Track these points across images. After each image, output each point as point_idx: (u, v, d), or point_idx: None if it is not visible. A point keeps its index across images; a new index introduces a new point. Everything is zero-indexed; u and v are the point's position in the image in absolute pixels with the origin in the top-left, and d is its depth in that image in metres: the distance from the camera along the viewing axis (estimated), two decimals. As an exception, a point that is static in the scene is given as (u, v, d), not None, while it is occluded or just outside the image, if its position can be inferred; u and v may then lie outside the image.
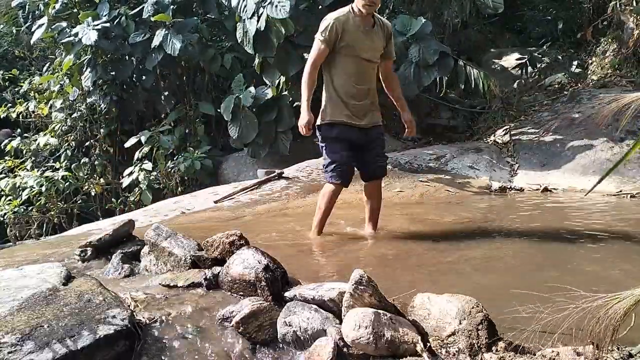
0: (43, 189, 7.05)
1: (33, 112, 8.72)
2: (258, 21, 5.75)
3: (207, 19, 7.72)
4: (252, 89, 6.70)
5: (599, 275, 2.55)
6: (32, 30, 7.84)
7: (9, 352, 1.61)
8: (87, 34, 6.87)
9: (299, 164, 5.81)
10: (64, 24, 7.60)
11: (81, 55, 7.56)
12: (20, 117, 8.82)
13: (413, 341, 1.68)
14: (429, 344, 1.69)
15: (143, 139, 7.16)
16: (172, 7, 6.98)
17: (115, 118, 8.05)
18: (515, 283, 2.49)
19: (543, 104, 7.33)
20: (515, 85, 8.22)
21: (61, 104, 8.20)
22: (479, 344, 1.64)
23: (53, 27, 7.56)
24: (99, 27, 6.93)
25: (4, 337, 1.67)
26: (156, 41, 6.78)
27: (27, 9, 8.56)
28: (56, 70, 8.44)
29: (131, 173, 7.02)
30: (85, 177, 7.65)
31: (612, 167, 1.24)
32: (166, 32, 6.76)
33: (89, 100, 7.93)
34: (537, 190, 5.09)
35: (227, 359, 1.82)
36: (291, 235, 3.47)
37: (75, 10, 7.79)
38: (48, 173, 7.31)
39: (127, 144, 7.41)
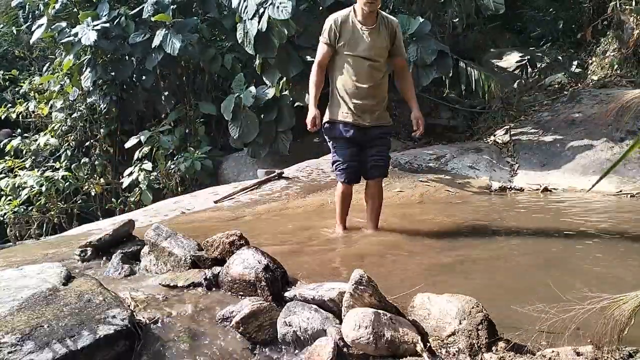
0: (43, 189, 7.04)
1: (33, 112, 8.71)
2: (259, 22, 5.74)
3: (207, 19, 7.72)
4: (252, 88, 6.70)
5: (600, 275, 2.55)
6: (32, 30, 7.83)
7: (9, 352, 1.61)
8: (87, 34, 6.86)
9: (299, 164, 5.81)
10: (64, 24, 7.59)
11: (81, 55, 7.55)
12: (20, 117, 8.82)
13: (413, 341, 1.68)
14: (429, 344, 1.70)
15: (143, 139, 7.15)
16: (172, 7, 6.97)
17: (115, 118, 8.05)
18: (516, 283, 2.50)
19: (543, 104, 7.33)
20: (515, 85, 8.21)
21: (61, 104, 8.20)
22: (479, 344, 1.64)
23: (53, 27, 7.55)
24: (99, 27, 6.92)
25: (4, 337, 1.67)
26: (156, 41, 6.78)
27: (27, 9, 8.56)
28: (56, 70, 8.44)
29: (131, 173, 7.02)
30: (85, 177, 7.65)
31: (612, 166, 1.24)
32: (166, 32, 6.76)
33: (89, 100, 7.92)
34: (537, 190, 5.09)
35: (227, 359, 1.82)
36: (291, 235, 3.48)
37: (75, 10, 7.78)
38: (48, 173, 7.31)
39: (127, 144, 7.41)
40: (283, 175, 5.37)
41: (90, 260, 2.77)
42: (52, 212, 7.21)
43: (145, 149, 7.12)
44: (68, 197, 7.46)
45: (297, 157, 6.24)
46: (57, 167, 7.55)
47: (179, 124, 7.64)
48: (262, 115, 6.75)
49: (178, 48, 6.62)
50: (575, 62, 8.48)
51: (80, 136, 8.22)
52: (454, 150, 6.28)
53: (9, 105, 9.12)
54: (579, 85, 7.65)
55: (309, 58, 6.19)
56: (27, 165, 7.96)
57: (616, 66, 7.65)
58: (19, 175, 7.36)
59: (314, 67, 3.30)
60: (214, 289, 2.22)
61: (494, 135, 6.77)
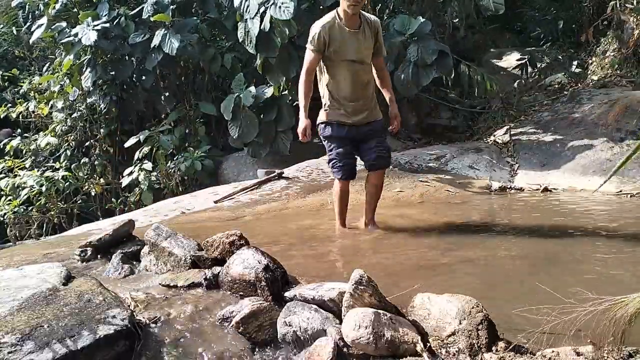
0: (43, 189, 7.04)
1: (33, 112, 8.72)
2: (261, 21, 5.74)
3: (207, 19, 7.72)
4: (252, 88, 6.70)
5: (601, 275, 2.55)
6: (32, 30, 7.83)
7: (9, 352, 1.61)
8: (87, 34, 6.87)
9: (299, 164, 5.81)
10: (64, 24, 7.59)
11: (81, 55, 7.56)
12: (20, 117, 8.82)
13: (413, 341, 1.68)
14: (429, 344, 1.69)
15: (143, 139, 7.16)
16: (171, 7, 6.97)
17: (115, 118, 8.05)
18: (516, 283, 2.50)
19: (543, 104, 7.33)
20: (515, 85, 8.21)
21: (61, 104, 8.20)
22: (479, 344, 1.64)
23: (53, 27, 7.56)
24: (99, 27, 6.92)
25: (4, 337, 1.67)
26: (155, 41, 6.78)
27: (27, 9, 8.56)
28: (56, 70, 8.44)
29: (131, 173, 7.02)
30: (85, 177, 7.65)
31: (620, 165, 1.24)
32: (165, 32, 6.76)
33: (89, 100, 7.93)
34: (537, 190, 5.09)
35: (227, 359, 1.82)
36: (291, 235, 3.48)
37: (75, 10, 7.79)
38: (48, 173, 7.31)
39: (127, 144, 7.41)
40: (283, 175, 5.37)
41: (90, 260, 2.77)
42: (52, 212, 7.21)
43: (145, 149, 7.12)
44: (68, 197, 7.46)
45: (297, 157, 6.24)
46: (57, 167, 7.55)
47: (179, 124, 7.64)
48: (262, 115, 6.75)
49: (176, 47, 6.62)
50: (575, 62, 8.48)
51: (80, 136, 8.22)
52: (454, 150, 6.28)
53: (9, 105, 9.13)
54: (579, 85, 7.65)
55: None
56: (27, 165, 7.96)
57: (616, 66, 7.65)
58: (19, 175, 7.36)
59: (303, 76, 3.31)
60: (214, 289, 2.22)
61: (494, 135, 6.76)
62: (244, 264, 2.13)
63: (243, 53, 6.99)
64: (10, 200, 7.12)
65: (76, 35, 7.04)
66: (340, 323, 1.78)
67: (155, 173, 7.04)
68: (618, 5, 7.51)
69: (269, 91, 6.68)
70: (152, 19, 6.82)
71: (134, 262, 2.68)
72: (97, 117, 8.09)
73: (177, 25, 6.85)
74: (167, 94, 7.94)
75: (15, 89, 9.67)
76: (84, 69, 7.49)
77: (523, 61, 8.57)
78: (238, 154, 7.43)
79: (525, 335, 1.66)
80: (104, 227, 3.81)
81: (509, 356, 1.60)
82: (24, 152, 8.22)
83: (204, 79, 7.99)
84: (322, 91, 3.42)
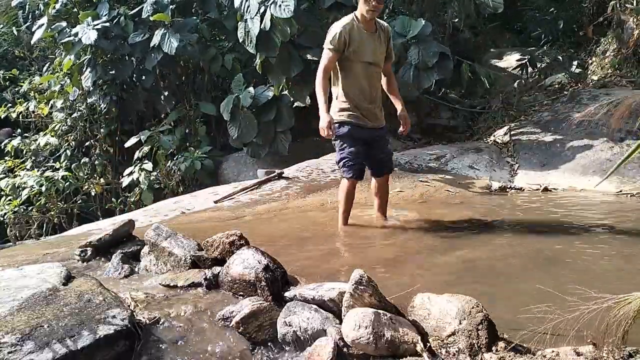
0: (43, 189, 7.05)
1: (33, 112, 8.72)
2: (262, 21, 5.74)
3: (207, 19, 7.72)
4: (251, 89, 6.70)
5: (602, 275, 2.55)
6: (32, 30, 7.83)
7: (9, 352, 1.61)
8: (87, 33, 6.87)
9: (299, 164, 5.81)
10: (64, 23, 7.60)
11: (81, 55, 7.56)
12: (20, 117, 8.83)
13: (413, 341, 1.68)
14: (429, 344, 1.69)
15: (143, 138, 7.16)
16: (171, 7, 6.97)
17: (115, 118, 8.05)
18: (516, 283, 2.49)
19: (543, 104, 7.33)
20: (515, 85, 8.21)
21: (61, 104, 8.20)
22: (479, 344, 1.64)
23: (53, 27, 7.56)
24: (99, 27, 6.93)
25: (4, 337, 1.67)
26: (155, 41, 6.78)
27: (27, 9, 8.57)
28: (56, 70, 8.45)
29: (131, 173, 7.02)
30: (85, 177, 7.65)
31: (619, 164, 1.24)
32: (164, 31, 6.76)
33: (89, 100, 7.93)
34: (537, 190, 5.09)
35: (227, 359, 1.82)
36: (291, 235, 3.48)
37: (75, 10, 7.80)
38: (48, 173, 7.32)
39: (127, 144, 7.42)
40: (283, 175, 5.37)
41: (90, 260, 2.77)
42: (52, 212, 7.21)
43: (146, 149, 7.12)
44: (68, 197, 7.46)
45: (297, 157, 6.24)
46: (57, 167, 7.56)
47: (179, 123, 7.65)
48: (261, 116, 6.75)
49: (175, 47, 6.62)
50: (575, 62, 8.48)
51: (80, 136, 8.22)
52: (454, 150, 6.28)
53: (9, 105, 9.13)
54: (579, 85, 7.65)
55: (309, 57, 6.19)
56: (27, 166, 7.96)
57: (616, 66, 7.65)
58: (19, 175, 7.36)
59: (320, 74, 3.34)
60: (214, 289, 2.22)
61: (494, 135, 6.76)
62: (244, 264, 2.13)
63: (243, 53, 6.99)
64: (10, 200, 7.12)
65: (76, 34, 7.04)
66: (340, 323, 1.78)
67: (155, 173, 7.04)
68: (618, 6, 7.51)
69: (269, 92, 6.68)
70: (151, 18, 6.82)
71: (134, 262, 2.68)
72: (97, 117, 8.09)
73: (177, 25, 6.85)
74: (167, 93, 7.94)
75: (15, 89, 9.67)
76: (84, 69, 7.50)
77: (523, 61, 8.57)
78: (238, 154, 7.43)
79: (526, 335, 1.66)
80: (104, 227, 3.81)
81: (509, 356, 1.60)
82: (24, 152, 8.22)
83: (204, 79, 7.99)
84: (335, 93, 3.45)
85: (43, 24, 7.52)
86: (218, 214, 4.38)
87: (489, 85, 6.59)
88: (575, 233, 3.40)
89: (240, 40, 6.14)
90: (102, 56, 7.51)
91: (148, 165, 7.00)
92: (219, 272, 2.24)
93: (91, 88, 7.61)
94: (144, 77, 7.61)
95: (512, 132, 6.57)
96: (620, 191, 4.77)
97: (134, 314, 1.94)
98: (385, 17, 6.80)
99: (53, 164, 7.78)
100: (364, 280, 1.78)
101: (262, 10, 5.72)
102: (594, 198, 4.68)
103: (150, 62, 7.03)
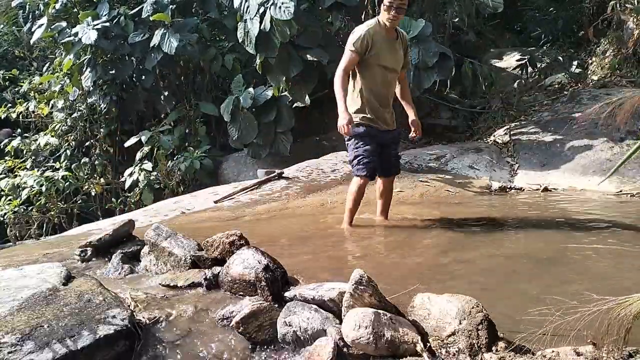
0: (43, 188, 7.05)
1: (33, 112, 8.72)
2: (261, 22, 5.74)
3: (207, 19, 7.72)
4: (251, 89, 6.70)
5: (602, 275, 2.55)
6: (32, 30, 7.83)
7: (9, 352, 1.61)
8: (87, 33, 6.87)
9: (299, 164, 5.81)
10: (64, 23, 7.60)
11: (81, 55, 7.56)
12: (20, 117, 8.82)
13: (413, 341, 1.68)
14: (429, 344, 1.69)
15: (143, 139, 7.16)
16: (171, 6, 6.97)
17: (115, 118, 8.06)
18: (516, 283, 2.49)
19: (543, 104, 7.33)
20: (515, 85, 8.21)
21: (62, 104, 8.20)
22: (479, 344, 1.64)
23: (53, 27, 7.56)
24: (99, 26, 6.93)
25: (4, 337, 1.67)
26: (154, 41, 6.79)
27: (27, 9, 8.56)
28: (56, 70, 8.45)
29: (132, 174, 7.02)
30: (85, 177, 7.66)
31: (622, 161, 1.24)
32: (164, 31, 6.76)
33: (89, 100, 7.93)
34: (537, 190, 5.09)
35: (227, 359, 1.82)
36: (291, 235, 3.48)
37: (75, 10, 7.79)
38: (48, 173, 7.32)
39: (127, 144, 7.42)
40: (283, 175, 5.37)
41: (90, 260, 2.77)
42: (52, 212, 7.21)
43: (146, 149, 7.12)
44: (68, 197, 7.46)
45: (297, 157, 6.24)
46: (57, 167, 7.56)
47: (179, 123, 7.65)
48: (261, 116, 6.75)
49: (175, 47, 6.62)
50: (575, 62, 8.48)
51: (80, 136, 8.23)
52: (454, 150, 6.28)
53: (9, 105, 9.13)
54: (579, 85, 7.65)
55: (309, 58, 6.18)
56: (27, 166, 7.96)
57: (616, 66, 7.65)
58: (19, 175, 7.36)
59: (340, 74, 3.37)
60: (214, 289, 2.22)
61: (494, 135, 6.76)
62: (244, 264, 2.13)
63: (243, 53, 6.99)
64: (10, 200, 7.13)
65: (76, 34, 7.04)
66: (340, 323, 1.78)
67: (155, 173, 7.04)
68: (618, 6, 7.51)
69: (269, 93, 6.68)
70: (151, 18, 6.82)
71: (134, 262, 2.68)
72: (97, 117, 8.09)
73: (177, 25, 6.85)
74: (167, 93, 7.94)
75: (15, 89, 9.67)
76: (84, 69, 7.50)
77: (523, 61, 8.57)
78: (238, 154, 7.43)
79: (526, 335, 1.66)
80: (104, 227, 3.81)
81: (509, 356, 1.60)
82: (24, 152, 8.22)
83: (204, 79, 7.99)
84: (352, 96, 3.49)
85: (43, 24, 7.52)
86: (218, 214, 4.38)
87: (490, 85, 6.59)
88: (575, 233, 3.39)
89: (240, 41, 6.14)
90: (102, 56, 7.51)
91: (148, 165, 7.00)
92: (219, 272, 2.24)
93: (91, 88, 7.61)
94: (144, 77, 7.61)
95: (512, 132, 6.57)
96: (620, 191, 4.77)
97: (134, 314, 1.94)
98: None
99: (53, 164, 7.78)
100: (364, 280, 1.78)
101: (261, 11, 5.72)
102: (594, 198, 4.68)
103: (150, 62, 7.03)
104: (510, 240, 3.33)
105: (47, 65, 9.21)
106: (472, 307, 1.70)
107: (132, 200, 7.03)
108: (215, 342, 1.88)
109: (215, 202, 4.77)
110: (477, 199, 4.81)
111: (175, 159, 7.08)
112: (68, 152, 8.15)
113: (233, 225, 3.82)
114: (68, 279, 2.19)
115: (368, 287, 1.78)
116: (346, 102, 3.34)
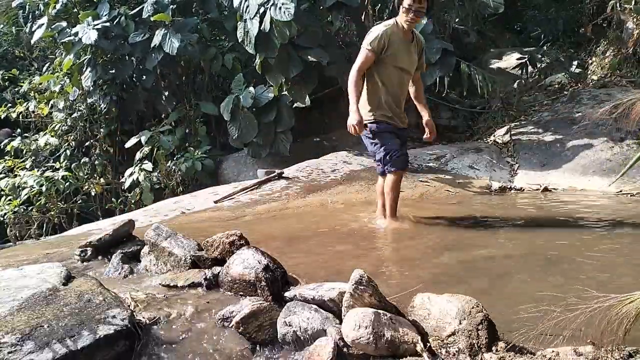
0: (43, 188, 7.04)
1: (33, 112, 8.72)
2: (261, 22, 5.73)
3: (207, 19, 7.72)
4: (251, 89, 6.70)
5: (602, 274, 2.55)
6: (33, 30, 7.83)
7: (9, 352, 1.61)
8: (87, 33, 6.87)
9: (299, 164, 5.81)
10: (64, 23, 7.59)
11: (81, 55, 7.55)
12: (20, 117, 8.82)
13: (413, 341, 1.68)
14: (429, 344, 1.69)
15: (143, 139, 7.15)
16: (171, 7, 6.97)
17: (115, 118, 8.05)
18: (516, 283, 2.50)
19: (543, 104, 7.33)
20: (515, 85, 8.22)
21: (62, 104, 8.20)
22: (479, 344, 1.64)
23: (53, 27, 7.55)
24: (99, 26, 6.92)
25: (4, 337, 1.67)
26: (155, 41, 6.78)
27: (27, 9, 8.55)
28: (56, 70, 8.44)
29: (132, 174, 7.02)
30: (85, 177, 7.65)
31: (633, 162, 1.24)
32: (165, 31, 6.76)
33: (89, 100, 7.93)
34: (537, 190, 5.09)
35: (227, 359, 1.82)
36: (291, 235, 3.47)
37: (75, 10, 7.79)
38: (48, 173, 7.31)
39: (128, 144, 7.41)
40: (283, 175, 5.37)
41: (90, 260, 2.77)
42: (52, 212, 7.21)
43: (146, 149, 7.12)
44: (68, 197, 7.46)
45: (297, 157, 6.24)
46: (57, 167, 7.55)
47: (179, 124, 7.64)
48: (261, 116, 6.74)
49: (176, 47, 6.61)
50: (575, 62, 8.48)
51: (80, 136, 8.22)
52: (454, 150, 6.28)
53: (9, 105, 9.13)
54: (579, 85, 7.65)
55: (309, 58, 6.18)
56: (27, 166, 7.96)
57: (616, 66, 7.65)
58: (19, 175, 7.36)
59: (355, 73, 3.40)
60: (214, 289, 2.22)
61: (494, 135, 6.76)
62: (244, 264, 2.13)
63: (243, 53, 6.99)
64: (10, 200, 7.12)
65: (76, 34, 7.03)
66: (340, 323, 1.78)
67: (155, 173, 7.03)
68: (618, 5, 7.51)
69: (269, 93, 6.68)
70: (152, 18, 6.82)
71: (134, 262, 2.68)
72: (97, 117, 8.09)
73: (177, 25, 6.85)
74: (167, 93, 7.93)
75: (15, 89, 9.66)
76: (84, 69, 7.49)
77: (523, 61, 8.57)
78: (238, 154, 7.43)
79: (526, 335, 1.66)
80: (104, 227, 3.81)
81: (509, 356, 1.60)
82: (24, 152, 8.22)
83: (204, 79, 7.98)
84: (366, 95, 3.51)
85: (43, 24, 7.51)
86: (218, 214, 4.38)
87: (487, 91, 6.61)
88: (575, 233, 3.40)
89: (240, 40, 6.14)
90: (102, 56, 7.51)
91: (148, 166, 7.00)
92: (219, 272, 2.24)
93: (91, 88, 7.60)
94: (144, 77, 7.61)
95: (512, 132, 6.58)
96: (620, 191, 4.77)
97: (134, 314, 1.94)
98: (385, 17, 6.80)
99: (53, 164, 7.77)
100: (364, 280, 1.78)
101: (261, 11, 5.71)
102: (594, 198, 4.68)
103: (150, 62, 7.03)
104: (510, 239, 3.33)
105: (47, 65, 9.21)
106: (472, 307, 1.71)
107: (132, 200, 7.02)
108: (215, 342, 1.88)
109: (215, 202, 4.77)
110: (477, 199, 4.81)
111: (175, 159, 7.08)
112: (68, 152, 8.14)
113: (233, 225, 3.82)
114: (68, 279, 2.19)
115: (368, 287, 1.78)
116: (358, 103, 3.35)
